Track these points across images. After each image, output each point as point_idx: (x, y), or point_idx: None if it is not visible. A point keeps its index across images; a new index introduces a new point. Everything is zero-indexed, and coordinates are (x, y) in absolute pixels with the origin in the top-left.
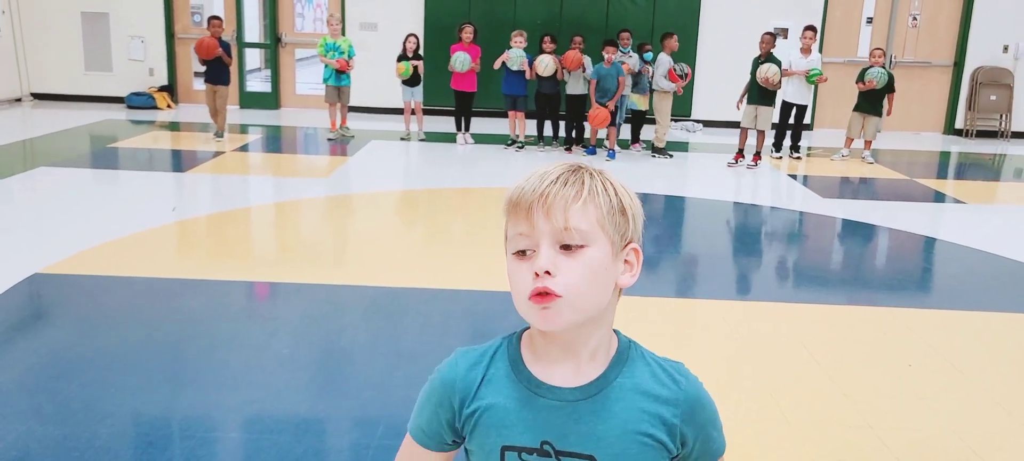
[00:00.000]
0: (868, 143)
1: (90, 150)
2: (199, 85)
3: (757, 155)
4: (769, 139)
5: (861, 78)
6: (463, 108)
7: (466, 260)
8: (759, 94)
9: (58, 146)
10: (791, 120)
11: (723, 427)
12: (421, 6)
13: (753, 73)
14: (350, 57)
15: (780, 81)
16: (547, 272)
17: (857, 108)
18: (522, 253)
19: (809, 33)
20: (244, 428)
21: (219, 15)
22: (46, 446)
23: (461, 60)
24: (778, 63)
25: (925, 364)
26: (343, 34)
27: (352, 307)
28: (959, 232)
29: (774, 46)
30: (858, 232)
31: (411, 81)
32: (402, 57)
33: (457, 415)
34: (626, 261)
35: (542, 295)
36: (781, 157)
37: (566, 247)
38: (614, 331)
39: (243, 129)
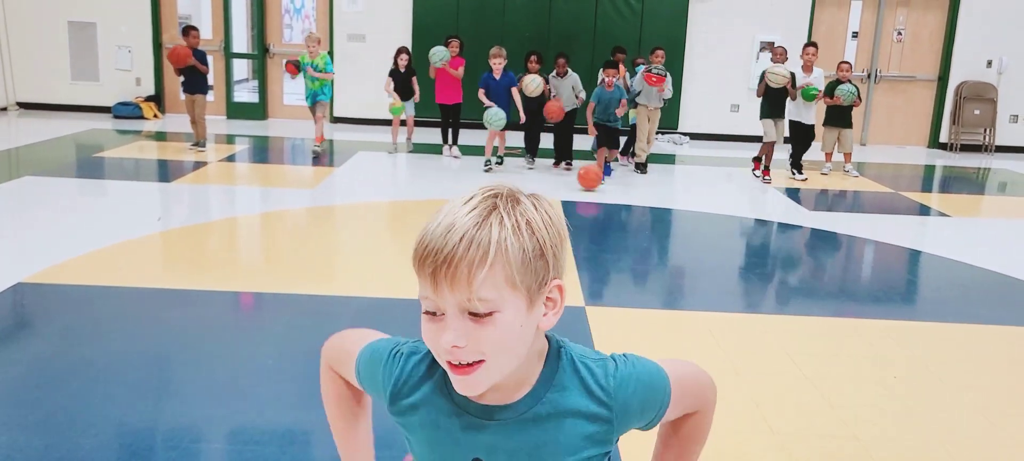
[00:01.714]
0: (848, 156)
1: (76, 159)
2: None
3: (766, 169)
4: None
5: (829, 92)
6: (449, 121)
7: None
8: (772, 107)
9: (43, 155)
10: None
11: (691, 396)
12: (409, 17)
13: (763, 80)
14: (326, 71)
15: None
16: (456, 346)
17: (828, 123)
18: (432, 314)
19: (811, 49)
20: (229, 439)
21: (196, 26)
22: (29, 456)
23: (440, 54)
24: (791, 74)
25: (910, 376)
26: (330, 49)
27: (337, 317)
28: (944, 245)
29: (786, 59)
30: (844, 245)
31: (404, 94)
32: (394, 72)
33: (391, 385)
34: (548, 298)
35: (461, 367)
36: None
37: (475, 314)
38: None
39: (230, 139)
